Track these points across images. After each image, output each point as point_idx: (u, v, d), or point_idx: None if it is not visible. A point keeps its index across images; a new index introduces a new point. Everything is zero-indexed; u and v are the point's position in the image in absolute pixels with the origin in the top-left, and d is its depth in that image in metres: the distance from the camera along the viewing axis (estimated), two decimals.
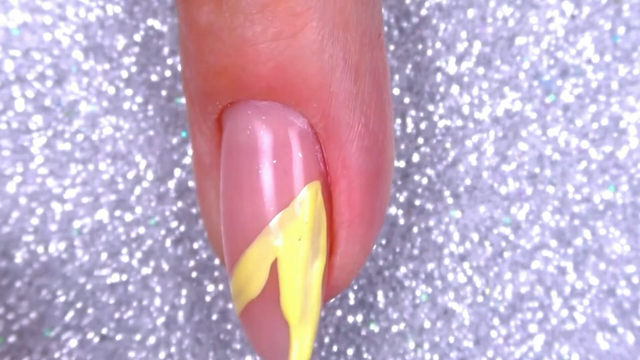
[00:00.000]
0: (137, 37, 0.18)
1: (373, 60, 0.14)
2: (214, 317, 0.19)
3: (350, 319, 0.19)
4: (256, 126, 0.13)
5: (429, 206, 0.19)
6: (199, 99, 0.13)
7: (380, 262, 0.19)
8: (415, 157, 0.19)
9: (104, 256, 0.18)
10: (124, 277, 0.18)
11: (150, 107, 0.18)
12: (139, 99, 0.18)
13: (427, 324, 0.19)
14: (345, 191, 0.14)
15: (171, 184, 0.19)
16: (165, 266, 0.19)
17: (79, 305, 0.18)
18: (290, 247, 0.13)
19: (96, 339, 0.18)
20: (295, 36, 0.12)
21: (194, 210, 0.19)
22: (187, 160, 0.19)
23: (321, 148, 0.13)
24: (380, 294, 0.19)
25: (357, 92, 0.13)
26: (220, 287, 0.19)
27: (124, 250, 0.18)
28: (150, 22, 0.18)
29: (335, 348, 0.19)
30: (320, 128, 0.13)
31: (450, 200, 0.19)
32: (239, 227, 0.13)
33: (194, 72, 0.13)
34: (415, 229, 0.19)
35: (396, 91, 0.19)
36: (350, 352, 0.19)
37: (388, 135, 0.14)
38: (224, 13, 0.12)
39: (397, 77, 0.19)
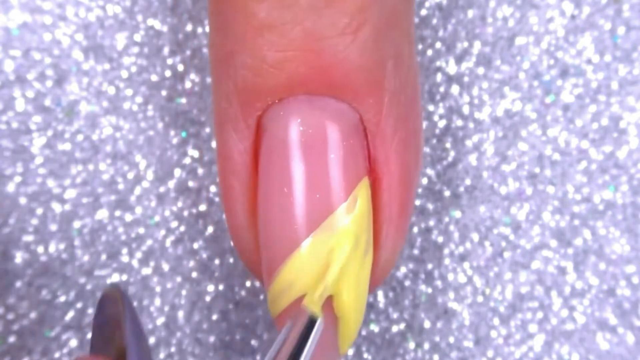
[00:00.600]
0: (137, 37, 0.18)
1: (413, 56, 0.14)
2: (214, 317, 0.19)
3: None
4: (312, 121, 0.13)
5: (429, 206, 0.19)
6: (245, 95, 0.13)
7: None
8: None
9: (104, 256, 0.18)
10: (124, 277, 0.18)
11: (150, 107, 0.18)
12: (139, 99, 0.18)
13: (427, 324, 0.19)
14: (390, 188, 0.14)
15: (171, 184, 0.19)
16: (165, 266, 0.19)
17: (79, 305, 0.18)
18: (349, 241, 0.13)
19: None
20: (358, 31, 0.12)
21: (194, 210, 0.19)
22: (187, 160, 0.19)
23: (367, 144, 0.13)
24: (380, 294, 0.19)
25: (404, 88, 0.13)
26: (220, 287, 0.19)
27: (124, 250, 0.18)
28: (150, 22, 0.18)
29: None
30: (373, 124, 0.13)
31: (450, 200, 0.19)
32: (293, 222, 0.13)
33: (244, 68, 0.13)
34: (415, 229, 0.19)
35: None
36: (350, 352, 0.19)
37: (421, 133, 0.14)
38: (288, 7, 0.12)
39: None
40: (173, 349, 0.19)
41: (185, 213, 0.19)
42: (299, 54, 0.12)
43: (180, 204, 0.19)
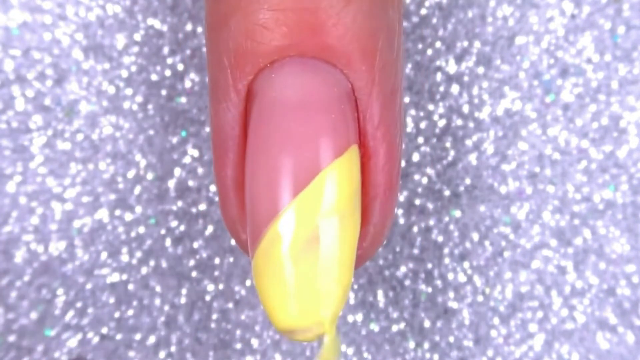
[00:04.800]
0: (137, 37, 0.18)
1: (401, 38, 0.14)
2: (214, 316, 0.19)
3: (350, 318, 0.19)
4: (307, 82, 0.13)
5: (429, 206, 0.19)
6: (237, 59, 0.13)
7: (380, 262, 0.19)
8: (415, 157, 0.19)
9: (103, 255, 0.18)
10: (124, 277, 0.18)
11: (150, 106, 0.18)
12: (139, 99, 0.18)
13: (427, 324, 0.19)
14: (382, 161, 0.14)
15: (171, 183, 0.19)
16: (165, 265, 0.19)
17: (79, 304, 0.18)
18: (342, 194, 0.13)
19: (96, 339, 0.18)
20: None
21: (194, 210, 0.19)
22: (187, 159, 0.19)
23: (358, 117, 0.13)
24: (380, 294, 0.19)
25: (395, 65, 0.13)
26: (220, 286, 0.19)
27: (124, 250, 0.18)
28: (150, 21, 0.18)
29: None
30: (365, 94, 0.13)
31: (450, 200, 0.19)
32: (278, 184, 0.13)
33: (237, 32, 0.13)
34: (415, 229, 0.19)
35: None
36: (350, 351, 0.19)
37: (404, 115, 0.15)
38: None
39: None
40: (173, 349, 0.19)
41: (185, 212, 0.19)
42: (293, 13, 0.12)
43: (180, 204, 0.19)
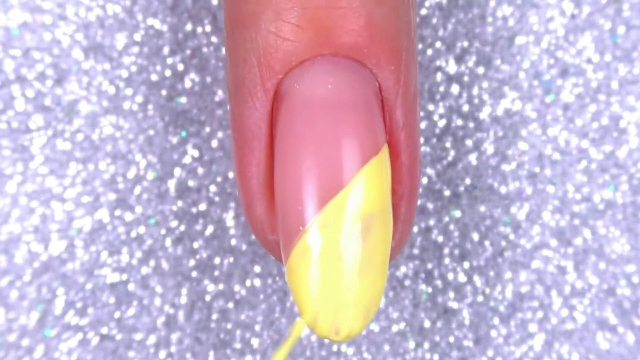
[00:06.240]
0: (137, 37, 0.18)
1: (415, 34, 0.14)
2: (214, 317, 0.19)
3: None
4: (340, 80, 0.13)
5: (429, 205, 0.19)
6: (266, 57, 0.13)
7: None
8: None
9: (104, 255, 0.18)
10: (124, 277, 0.18)
11: (150, 106, 0.18)
12: (139, 99, 0.18)
13: (427, 324, 0.19)
14: (407, 161, 0.14)
15: (171, 183, 0.19)
16: (165, 265, 0.19)
17: (79, 304, 0.18)
18: (378, 194, 0.13)
19: (96, 339, 0.18)
20: None
21: (194, 210, 0.19)
22: (187, 159, 0.19)
23: (384, 116, 0.13)
24: None
25: (415, 62, 0.14)
26: (220, 286, 0.19)
27: (124, 250, 0.18)
28: (150, 21, 0.18)
29: (335, 348, 0.19)
30: (391, 93, 0.13)
31: (450, 200, 0.19)
32: (316, 185, 0.13)
33: (267, 30, 0.13)
34: (415, 229, 0.19)
35: None
36: (350, 351, 0.19)
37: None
38: None
39: None
40: (173, 349, 0.19)
41: (185, 212, 0.19)
42: (329, 12, 0.12)
43: (180, 204, 0.19)
